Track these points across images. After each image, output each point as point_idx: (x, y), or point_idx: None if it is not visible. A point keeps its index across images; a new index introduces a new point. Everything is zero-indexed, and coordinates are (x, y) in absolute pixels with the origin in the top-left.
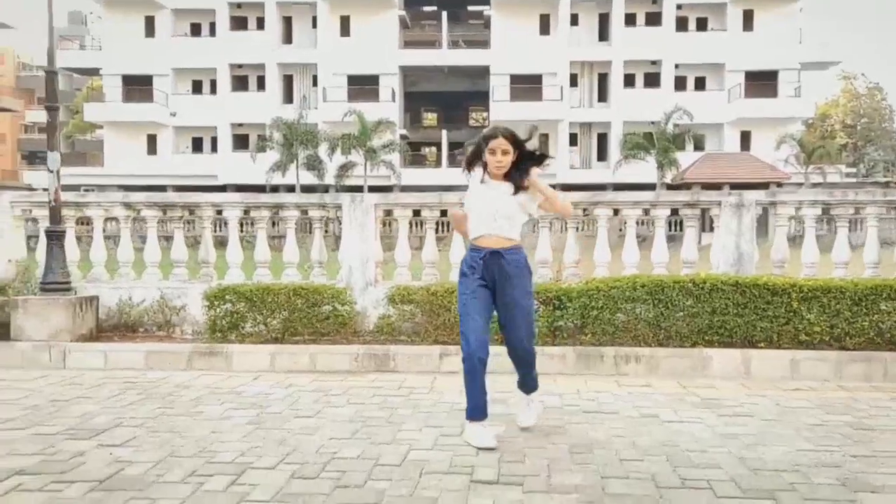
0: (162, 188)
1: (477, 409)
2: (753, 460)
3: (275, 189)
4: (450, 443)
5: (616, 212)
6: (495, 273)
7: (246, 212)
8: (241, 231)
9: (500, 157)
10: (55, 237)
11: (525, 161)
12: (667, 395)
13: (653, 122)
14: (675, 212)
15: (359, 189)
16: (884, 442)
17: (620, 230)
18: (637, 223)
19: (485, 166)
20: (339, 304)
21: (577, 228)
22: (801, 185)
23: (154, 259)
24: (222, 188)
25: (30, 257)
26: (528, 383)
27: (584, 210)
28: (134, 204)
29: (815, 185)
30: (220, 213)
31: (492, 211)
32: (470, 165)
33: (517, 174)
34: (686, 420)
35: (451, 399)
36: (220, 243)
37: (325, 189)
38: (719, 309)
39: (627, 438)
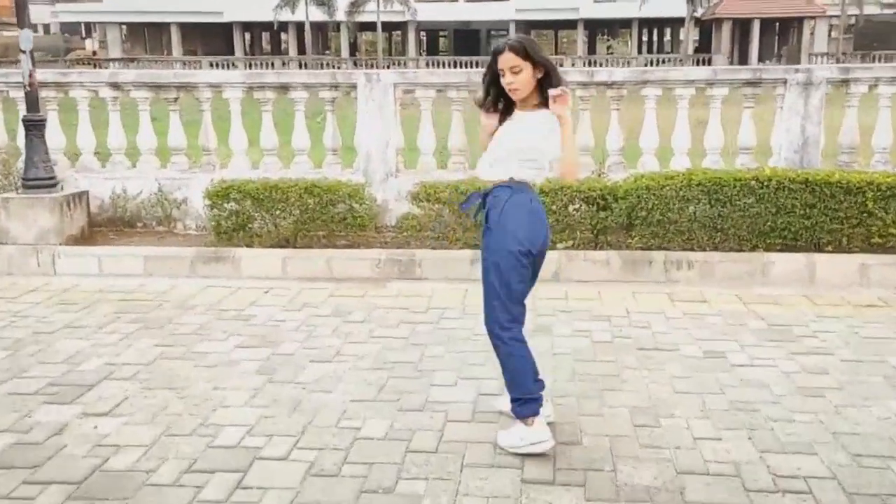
0: (165, 26)
1: None
2: (851, 438)
3: (283, 26)
4: (490, 408)
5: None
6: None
7: (249, 91)
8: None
9: (510, 77)
10: (34, 127)
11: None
12: (726, 315)
13: None
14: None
15: (371, 26)
16: None
17: None
18: None
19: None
20: (357, 204)
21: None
22: (836, 17)
23: (148, 146)
24: (228, 26)
25: (11, 143)
26: (509, 394)
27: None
28: (122, 84)
29: (851, 16)
30: (220, 93)
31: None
32: (494, 104)
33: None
34: (757, 363)
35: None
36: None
37: (337, 27)
38: (784, 209)
39: (696, 396)
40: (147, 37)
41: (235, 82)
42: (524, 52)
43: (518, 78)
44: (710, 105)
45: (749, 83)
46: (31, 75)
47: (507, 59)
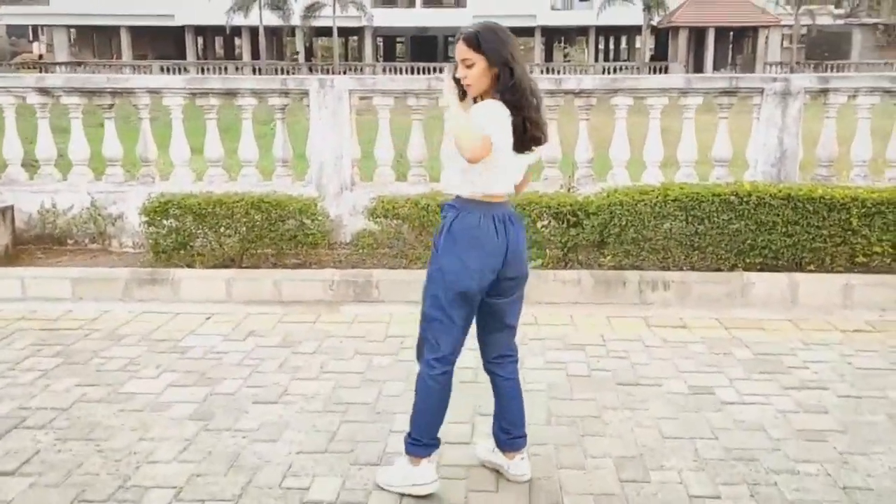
0: (114, 29)
1: None
2: (864, 495)
3: (237, 31)
4: (458, 461)
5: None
6: None
7: (192, 95)
8: None
9: (462, 70)
10: None
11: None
12: (709, 343)
13: None
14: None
15: (327, 31)
16: None
17: None
18: None
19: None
20: (308, 220)
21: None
22: (789, 27)
23: (81, 156)
24: (180, 29)
25: None
26: (410, 428)
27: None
28: (51, 89)
29: (803, 26)
30: (160, 99)
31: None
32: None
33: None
34: (748, 400)
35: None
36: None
37: (292, 31)
38: (765, 226)
39: (686, 442)
40: (96, 40)
41: (176, 88)
42: (476, 44)
43: (470, 72)
44: (683, 115)
45: (724, 92)
46: None
47: (460, 51)
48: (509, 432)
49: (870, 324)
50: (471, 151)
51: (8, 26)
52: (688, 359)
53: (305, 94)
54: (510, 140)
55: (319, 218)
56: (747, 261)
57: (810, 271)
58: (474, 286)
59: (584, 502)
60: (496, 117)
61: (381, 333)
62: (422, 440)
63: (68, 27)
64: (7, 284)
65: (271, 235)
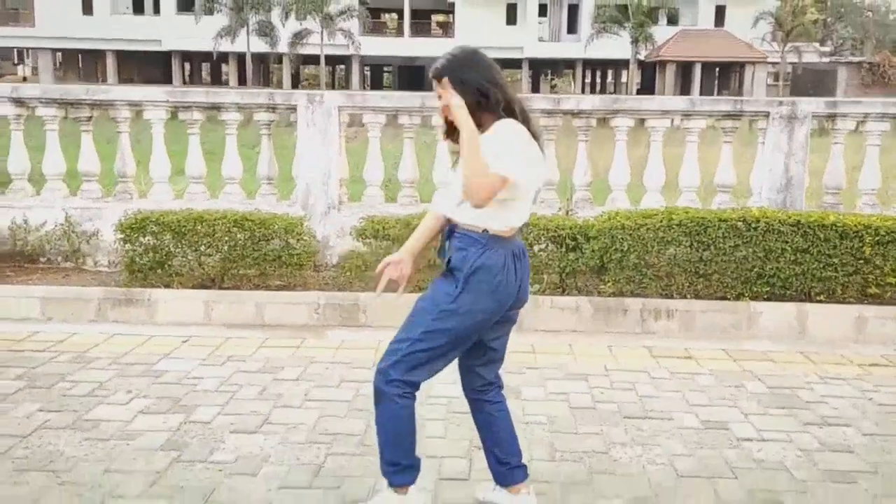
0: (100, 53)
1: None
2: None
3: (223, 57)
4: (455, 501)
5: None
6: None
7: (174, 112)
8: None
9: (439, 101)
10: None
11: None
12: (718, 376)
13: None
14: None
15: (314, 59)
16: None
17: None
18: None
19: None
20: (293, 239)
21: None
22: (777, 63)
23: (55, 171)
24: (167, 54)
25: None
26: (384, 456)
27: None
28: (27, 100)
29: (791, 64)
30: (140, 112)
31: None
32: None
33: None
34: (767, 436)
35: (445, 392)
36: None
37: (279, 58)
38: (774, 253)
39: (705, 482)
40: (81, 64)
41: (158, 101)
42: (440, 75)
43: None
44: (686, 139)
45: (729, 115)
46: None
47: (436, 88)
48: (508, 463)
49: (886, 357)
50: (477, 197)
51: None
52: (698, 392)
53: (293, 109)
54: (537, 161)
55: (305, 238)
56: (754, 289)
57: (820, 301)
58: (485, 328)
59: None
60: (513, 143)
61: (368, 360)
62: (401, 462)
63: (54, 50)
64: None
65: (254, 255)
